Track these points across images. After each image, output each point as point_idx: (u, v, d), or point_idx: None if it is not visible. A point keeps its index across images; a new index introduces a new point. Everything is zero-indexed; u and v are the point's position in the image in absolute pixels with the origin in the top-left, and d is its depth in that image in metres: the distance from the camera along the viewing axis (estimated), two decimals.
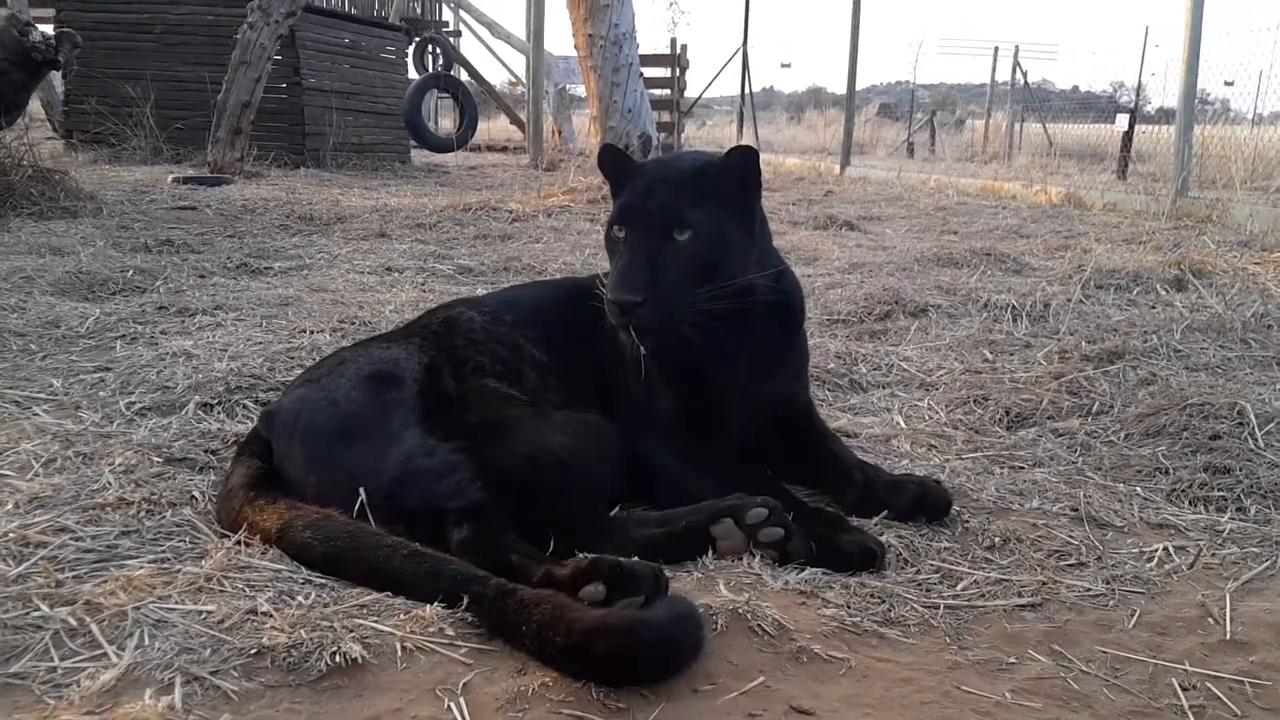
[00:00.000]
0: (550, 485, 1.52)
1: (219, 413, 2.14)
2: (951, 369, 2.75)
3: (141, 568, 1.40)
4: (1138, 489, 1.91)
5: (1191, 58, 7.04)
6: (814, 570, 1.50)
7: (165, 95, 9.01)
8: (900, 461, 2.04)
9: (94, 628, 1.23)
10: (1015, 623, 1.39)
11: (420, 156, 12.62)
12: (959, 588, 1.48)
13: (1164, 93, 12.66)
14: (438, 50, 15.06)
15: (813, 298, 3.49)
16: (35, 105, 9.19)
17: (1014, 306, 3.36)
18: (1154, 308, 3.41)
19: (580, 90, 14.77)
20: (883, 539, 1.60)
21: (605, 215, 2.28)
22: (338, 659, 1.18)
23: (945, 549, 1.61)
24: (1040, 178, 9.27)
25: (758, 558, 1.52)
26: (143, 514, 1.59)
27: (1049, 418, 2.32)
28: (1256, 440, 2.05)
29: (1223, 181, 7.06)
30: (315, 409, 1.61)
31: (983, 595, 1.46)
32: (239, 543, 1.47)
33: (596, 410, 1.76)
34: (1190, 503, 1.86)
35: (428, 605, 1.30)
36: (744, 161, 1.72)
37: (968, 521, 1.71)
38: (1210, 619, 1.41)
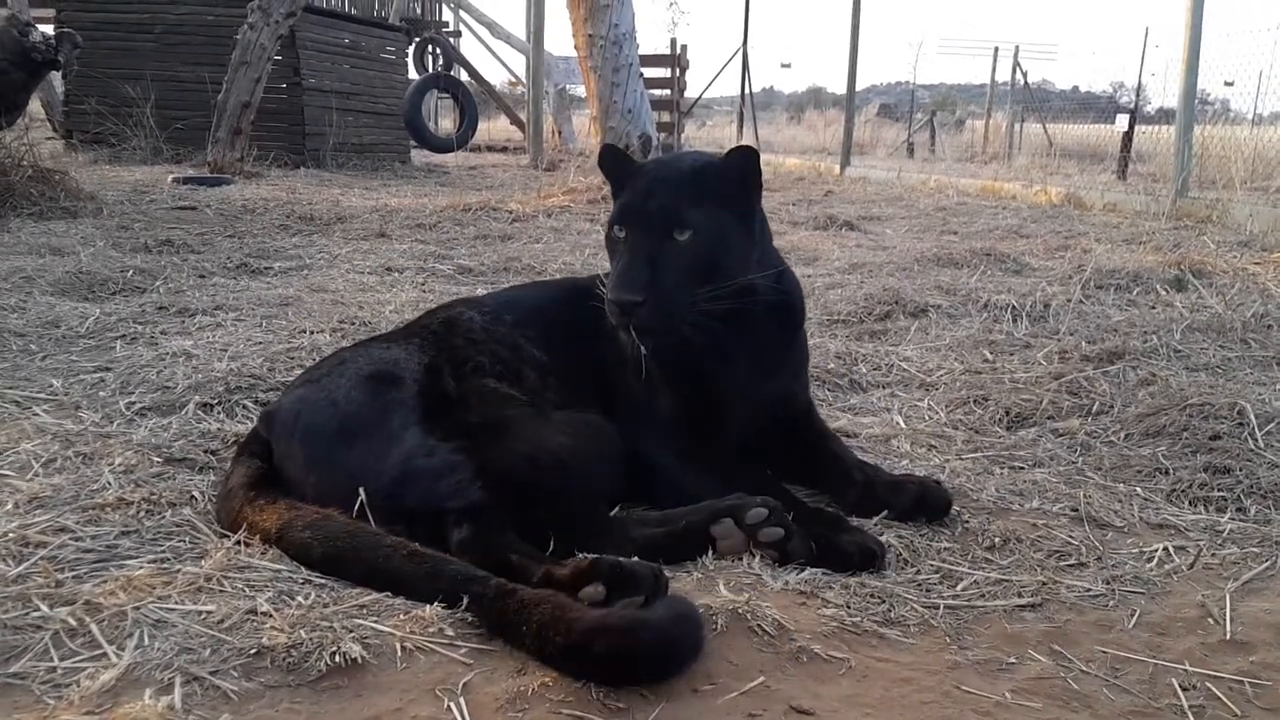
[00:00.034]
0: (550, 485, 1.52)
1: (219, 413, 2.14)
2: (951, 369, 2.75)
3: (141, 568, 1.40)
4: (1138, 489, 1.91)
5: (1191, 58, 7.04)
6: (814, 570, 1.50)
7: (165, 95, 9.02)
8: (900, 461, 2.04)
9: (94, 628, 1.23)
10: (1015, 623, 1.39)
11: (420, 156, 12.62)
12: (959, 588, 1.48)
13: (1164, 93, 12.68)
14: (438, 50, 15.06)
15: (813, 298, 3.49)
16: (35, 105, 9.19)
17: (1014, 306, 3.36)
18: (1154, 308, 3.41)
19: (580, 90, 14.78)
20: (883, 539, 1.60)
21: (605, 215, 2.28)
22: (338, 659, 1.18)
23: (945, 549, 1.61)
24: (1040, 178, 9.27)
25: (758, 558, 1.52)
26: (143, 514, 1.59)
27: (1049, 418, 2.32)
28: (1256, 440, 2.05)
29: (1223, 181, 7.06)
30: (315, 409, 1.61)
31: (983, 595, 1.46)
32: (239, 543, 1.47)
33: (596, 410, 1.76)
34: (1190, 503, 1.86)
35: (428, 605, 1.30)
36: (744, 162, 1.72)
37: (968, 521, 1.71)
38: (1210, 619, 1.41)
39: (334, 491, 1.51)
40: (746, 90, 17.36)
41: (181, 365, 2.41)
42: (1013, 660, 1.29)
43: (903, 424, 2.30)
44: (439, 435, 1.54)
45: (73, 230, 4.53)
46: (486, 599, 1.28)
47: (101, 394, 2.22)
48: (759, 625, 1.31)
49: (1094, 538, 1.67)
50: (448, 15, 18.29)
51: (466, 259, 4.45)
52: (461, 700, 1.14)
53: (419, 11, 14.87)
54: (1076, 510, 1.78)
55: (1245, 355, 2.81)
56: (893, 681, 1.23)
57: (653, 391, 1.77)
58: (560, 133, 15.52)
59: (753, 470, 1.79)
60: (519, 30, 17.65)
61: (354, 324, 2.95)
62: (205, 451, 1.90)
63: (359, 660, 1.19)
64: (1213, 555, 1.62)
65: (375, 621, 1.28)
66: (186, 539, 1.52)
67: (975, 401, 2.44)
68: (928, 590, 1.47)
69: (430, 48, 15.09)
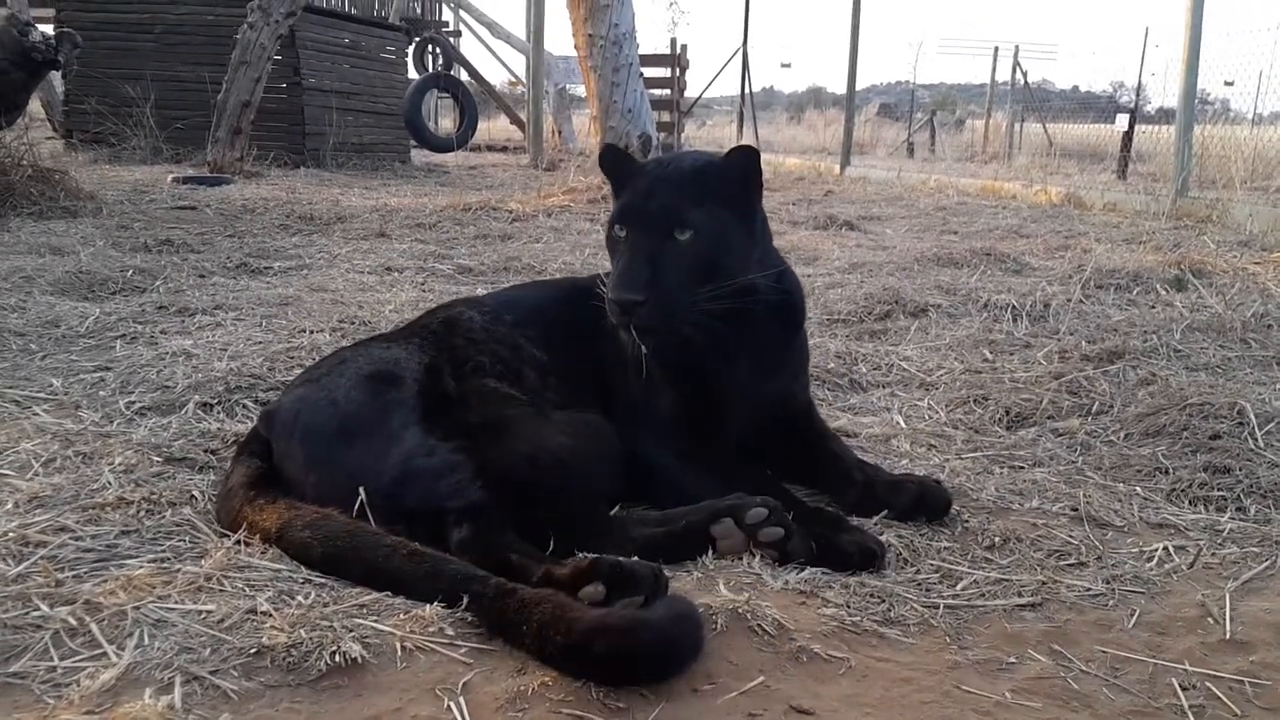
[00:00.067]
0: (550, 485, 1.52)
1: (219, 412, 2.14)
2: (951, 369, 2.75)
3: (141, 567, 1.40)
4: (1138, 489, 1.91)
5: (1191, 58, 7.04)
6: (814, 570, 1.50)
7: (165, 95, 9.02)
8: (900, 461, 2.04)
9: (94, 627, 1.23)
10: (1015, 622, 1.39)
11: (420, 156, 12.62)
12: (959, 587, 1.48)
13: (1164, 93, 12.68)
14: (438, 50, 15.05)
15: (813, 297, 3.49)
16: (35, 105, 9.19)
17: (1014, 306, 3.36)
18: (1154, 308, 3.41)
19: (580, 90, 14.78)
20: (883, 539, 1.60)
21: (605, 215, 2.28)
22: (337, 659, 1.18)
23: (945, 549, 1.61)
24: (1040, 178, 9.27)
25: (758, 557, 1.52)
26: (142, 514, 1.59)
27: (1049, 418, 2.32)
28: (1256, 440, 2.05)
29: (1223, 181, 7.06)
30: (315, 409, 1.61)
31: (983, 595, 1.46)
32: (239, 542, 1.47)
33: (596, 410, 1.76)
34: (1190, 503, 1.86)
35: (428, 605, 1.30)
36: (745, 161, 1.72)
37: (968, 521, 1.71)
38: (1210, 619, 1.41)
39: (334, 491, 1.51)
40: (746, 90, 17.36)
41: (181, 365, 2.41)
42: (1013, 660, 1.29)
43: (903, 424, 2.30)
44: (439, 435, 1.54)
45: (73, 230, 4.52)
46: (486, 598, 1.28)
47: (101, 393, 2.22)
48: (759, 625, 1.31)
49: (1094, 537, 1.67)
50: (448, 15, 18.30)
51: (466, 259, 4.45)
52: (461, 700, 1.14)
53: (419, 11, 14.86)
54: (1076, 510, 1.78)
55: (1245, 355, 2.81)
56: (893, 681, 1.23)
57: (653, 391, 1.77)
58: (560, 132, 15.52)
59: (753, 470, 1.79)
60: (519, 30, 17.66)
61: (354, 323, 2.95)
62: (205, 451, 1.90)
63: (359, 660, 1.19)
64: (1213, 555, 1.62)
65: (375, 621, 1.28)
66: (186, 539, 1.52)
67: (975, 401, 2.44)
68: (928, 590, 1.47)
69: (430, 47, 15.09)
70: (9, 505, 1.57)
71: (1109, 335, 3.00)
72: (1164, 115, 11.73)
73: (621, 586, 1.26)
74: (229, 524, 1.53)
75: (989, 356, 2.88)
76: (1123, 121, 11.04)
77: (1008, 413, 2.36)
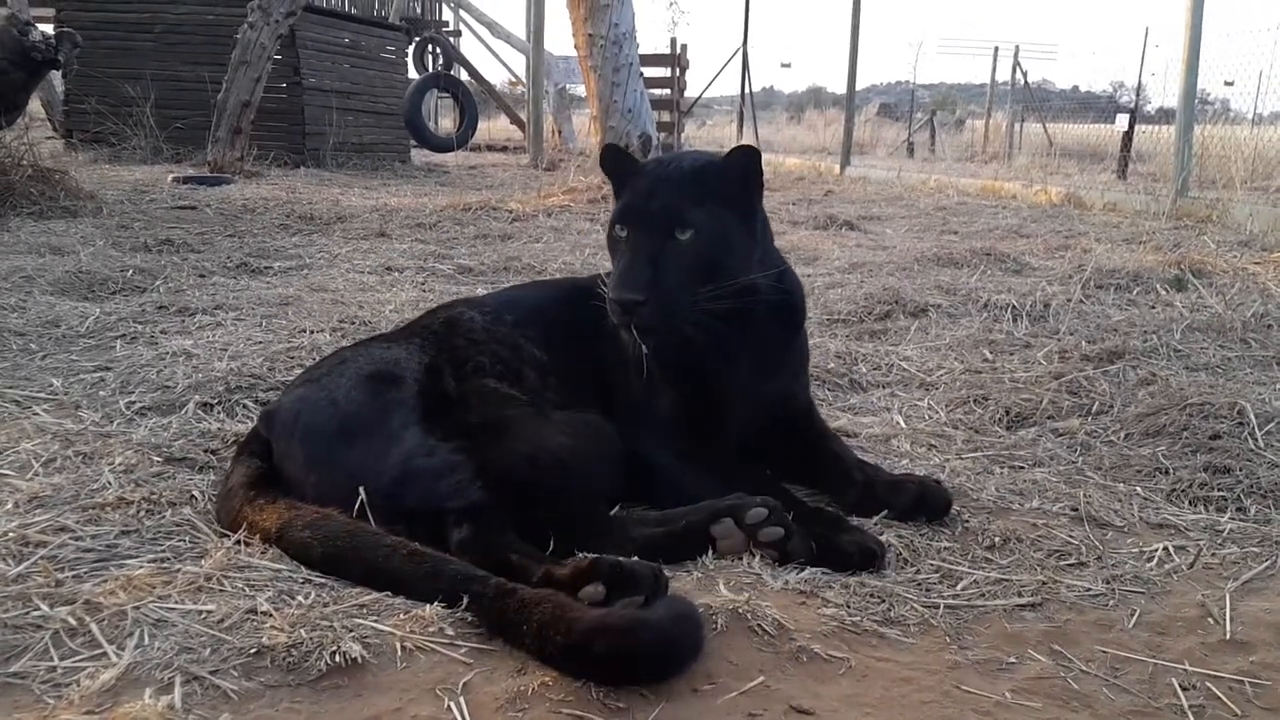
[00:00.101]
0: (550, 485, 1.52)
1: (219, 412, 2.14)
2: (951, 369, 2.75)
3: (141, 567, 1.40)
4: (1138, 489, 1.91)
5: (1191, 58, 7.04)
6: (814, 570, 1.50)
7: (165, 95, 9.01)
8: (900, 461, 2.04)
9: (94, 627, 1.23)
10: (1015, 622, 1.39)
11: (420, 156, 12.62)
12: (959, 587, 1.48)
13: (1164, 93, 12.68)
14: (438, 50, 15.05)
15: (813, 297, 3.49)
16: (35, 105, 9.19)
17: (1014, 306, 3.36)
18: (1154, 308, 3.41)
19: (580, 90, 14.78)
20: (883, 539, 1.60)
21: (605, 215, 2.28)
22: (337, 659, 1.18)
23: (945, 549, 1.61)
24: (1040, 178, 9.27)
25: (758, 557, 1.52)
26: (143, 513, 1.59)
27: (1049, 418, 2.32)
28: (1256, 440, 2.05)
29: (1223, 181, 7.06)
30: (315, 409, 1.61)
31: (983, 595, 1.46)
32: (239, 542, 1.47)
33: (596, 410, 1.76)
34: (1190, 503, 1.86)
35: (428, 605, 1.30)
36: (746, 161, 1.72)
37: (968, 521, 1.71)
38: (1210, 619, 1.41)
39: (334, 491, 1.51)
40: (746, 90, 17.36)
41: (181, 365, 2.41)
42: (1013, 660, 1.29)
43: (903, 424, 2.30)
44: (439, 435, 1.54)
45: (73, 229, 4.52)
46: (486, 598, 1.28)
47: (101, 393, 2.22)
48: (759, 625, 1.31)
49: (1094, 537, 1.67)
50: (448, 15, 18.29)
51: (466, 259, 4.45)
52: (461, 700, 1.14)
53: (419, 11, 14.86)
54: (1076, 510, 1.78)
55: (1245, 355, 2.81)
56: (893, 681, 1.23)
57: (653, 391, 1.77)
58: (560, 132, 15.52)
59: (753, 470, 1.79)
60: (519, 30, 17.66)
61: (354, 323, 2.95)
62: (205, 451, 1.90)
63: (359, 660, 1.19)
64: (1213, 555, 1.62)
65: (375, 621, 1.28)
66: (186, 538, 1.52)
67: (975, 401, 2.44)
68: (928, 590, 1.47)
69: (430, 47, 15.08)
70: (9, 505, 1.57)
71: (1109, 335, 3.00)
72: (1164, 115, 11.74)
73: (621, 586, 1.26)
74: (229, 524, 1.53)
75: (989, 356, 2.88)
76: (1123, 121, 11.04)
77: (1008, 413, 2.36)
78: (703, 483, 1.66)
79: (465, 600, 1.29)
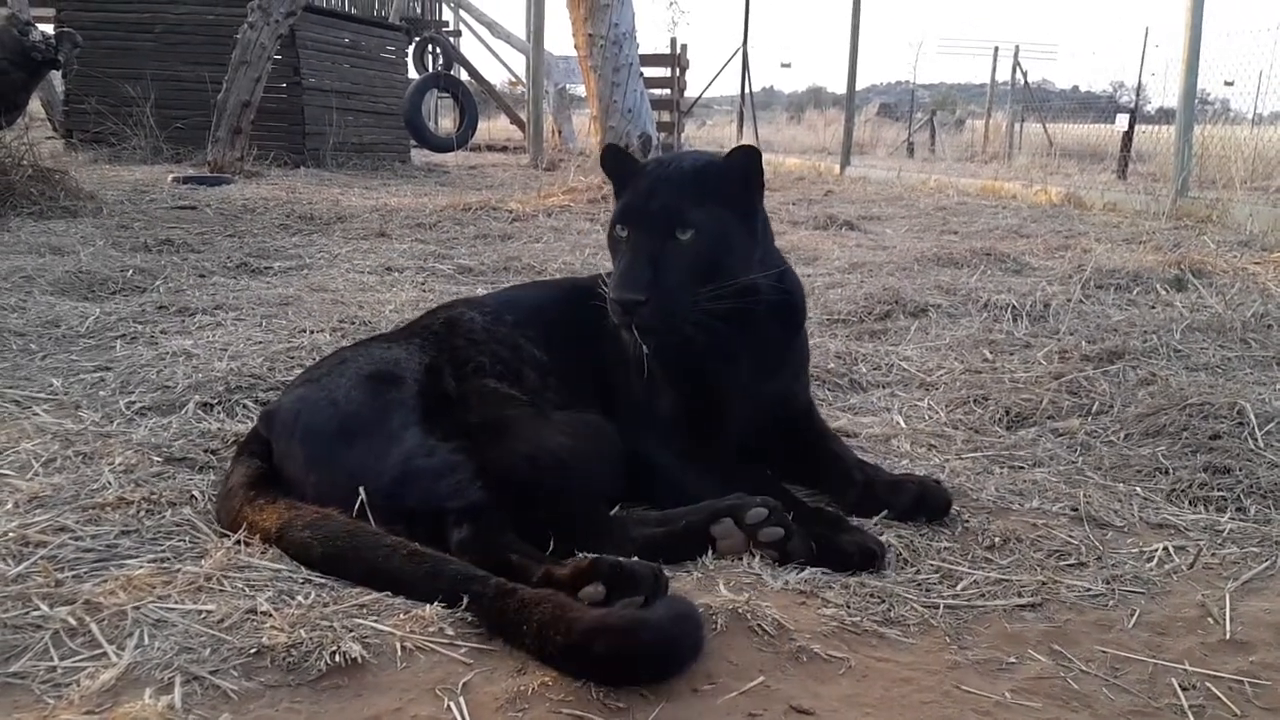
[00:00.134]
0: (550, 485, 1.52)
1: (219, 412, 2.14)
2: (951, 369, 2.75)
3: (141, 567, 1.40)
4: (1138, 489, 1.91)
5: (1191, 58, 7.04)
6: (814, 570, 1.50)
7: (165, 95, 9.02)
8: (900, 461, 2.04)
9: (94, 627, 1.23)
10: (1015, 623, 1.39)
11: (420, 156, 12.62)
12: (959, 588, 1.48)
13: (1164, 93, 12.68)
14: (438, 50, 15.05)
15: (813, 297, 3.49)
16: (35, 105, 9.19)
17: (1014, 306, 3.36)
18: (1154, 308, 3.41)
19: (580, 90, 14.77)
20: (883, 539, 1.60)
21: (605, 215, 2.28)
22: (337, 659, 1.18)
23: (945, 549, 1.61)
24: (1040, 178, 9.27)
25: (758, 558, 1.52)
26: (142, 514, 1.59)
27: (1049, 418, 2.32)
28: (1256, 440, 2.05)
29: (1223, 181, 7.06)
30: (315, 409, 1.61)
31: (983, 595, 1.46)
32: (239, 542, 1.47)
33: (596, 410, 1.76)
34: (1190, 503, 1.86)
35: (428, 605, 1.30)
36: (746, 161, 1.72)
37: (968, 521, 1.71)
38: (1210, 619, 1.41)
39: (334, 491, 1.51)
40: (746, 90, 17.36)
41: (181, 365, 2.41)
42: (1013, 660, 1.29)
43: (903, 424, 2.30)
44: (439, 435, 1.54)
45: (73, 230, 4.52)
46: (486, 599, 1.28)
47: (101, 393, 2.22)
48: (759, 625, 1.31)
49: (1094, 537, 1.67)
50: (448, 15, 18.29)
51: (466, 259, 4.45)
52: (461, 700, 1.14)
53: (419, 11, 14.87)
54: (1076, 510, 1.78)
55: (1245, 355, 2.81)
56: (893, 681, 1.23)
57: (653, 391, 1.77)
58: (560, 132, 15.52)
59: (753, 470, 1.79)
60: (519, 30, 17.66)
61: (354, 323, 2.95)
62: (205, 451, 1.90)
63: (359, 660, 1.19)
64: (1213, 555, 1.62)
65: (375, 621, 1.28)
66: (186, 538, 1.52)
67: (975, 401, 2.44)
68: (928, 590, 1.47)
69: (430, 47, 15.09)
70: (9, 505, 1.57)
71: (1109, 335, 3.00)
72: (1164, 115, 11.74)
73: (621, 586, 1.26)
74: (229, 524, 1.53)
75: (989, 356, 2.88)
76: (1123, 121, 11.04)
77: (1008, 413, 2.36)
78: (703, 483, 1.66)
79: (465, 600, 1.29)
